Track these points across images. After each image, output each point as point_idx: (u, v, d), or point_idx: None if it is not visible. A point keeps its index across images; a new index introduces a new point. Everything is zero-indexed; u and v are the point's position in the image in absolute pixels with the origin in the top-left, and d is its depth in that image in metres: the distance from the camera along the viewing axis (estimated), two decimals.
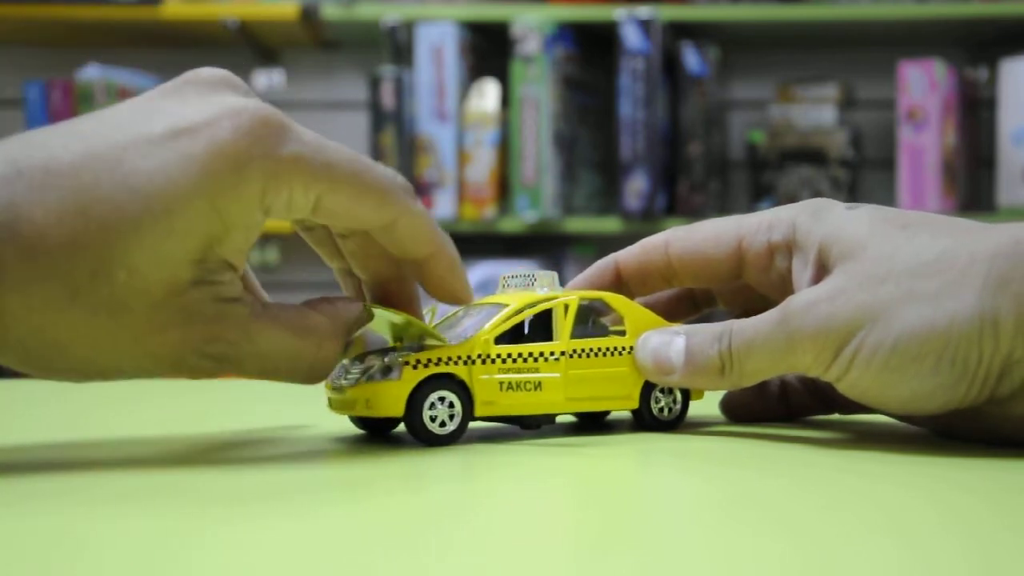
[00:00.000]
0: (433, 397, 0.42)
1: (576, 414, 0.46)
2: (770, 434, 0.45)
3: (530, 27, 1.95)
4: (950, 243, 0.40)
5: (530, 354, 0.43)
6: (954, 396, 0.39)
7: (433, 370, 0.42)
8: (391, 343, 0.44)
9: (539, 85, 1.95)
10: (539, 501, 0.34)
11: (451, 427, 0.42)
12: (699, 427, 0.47)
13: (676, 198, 2.01)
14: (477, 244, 2.01)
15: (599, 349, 0.45)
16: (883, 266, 0.40)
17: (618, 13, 1.95)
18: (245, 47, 2.13)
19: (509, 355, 0.43)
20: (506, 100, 1.98)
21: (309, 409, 0.52)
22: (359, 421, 0.45)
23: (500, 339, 0.43)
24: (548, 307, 0.44)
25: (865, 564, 0.25)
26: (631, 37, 1.94)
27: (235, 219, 0.37)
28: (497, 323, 0.43)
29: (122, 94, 1.98)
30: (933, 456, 0.40)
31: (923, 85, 1.98)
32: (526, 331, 0.45)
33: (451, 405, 0.42)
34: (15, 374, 0.41)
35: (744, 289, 0.48)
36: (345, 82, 2.19)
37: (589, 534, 0.29)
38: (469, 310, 0.46)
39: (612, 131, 2.02)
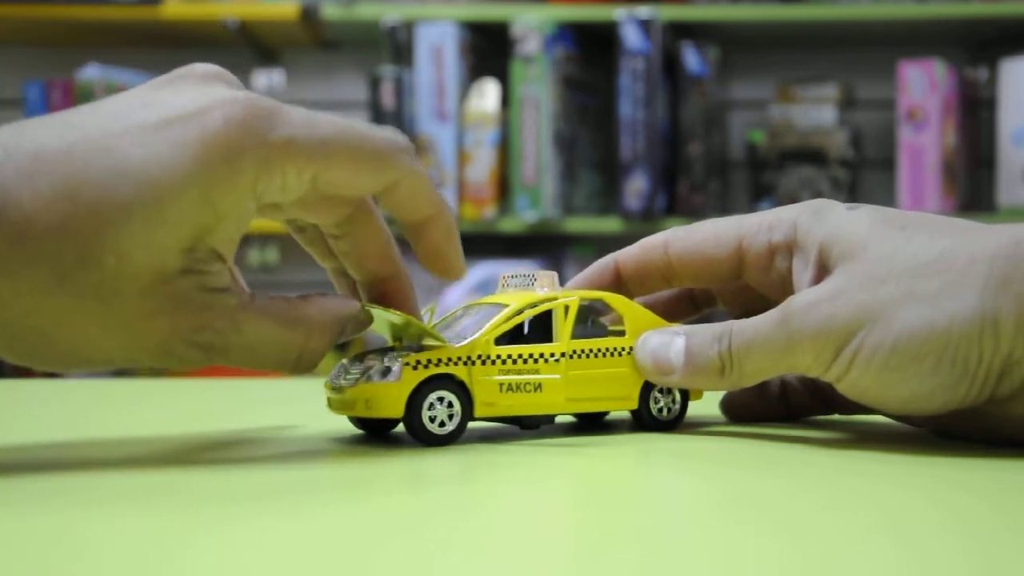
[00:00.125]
0: (432, 397, 0.42)
1: (575, 414, 0.46)
2: (770, 434, 0.45)
3: (530, 27, 1.95)
4: (950, 243, 0.40)
5: (530, 355, 0.43)
6: (954, 396, 0.39)
7: (433, 371, 0.42)
8: (390, 343, 0.44)
9: (539, 85, 1.95)
10: (539, 501, 0.33)
11: (450, 427, 0.42)
12: (699, 427, 0.47)
13: (676, 198, 2.01)
14: (477, 244, 2.01)
15: (599, 350, 0.45)
16: (883, 266, 0.40)
17: (618, 13, 1.95)
18: (245, 47, 2.13)
19: (509, 356, 0.43)
20: (506, 100, 1.98)
21: (308, 409, 0.52)
22: (358, 421, 0.45)
23: (500, 340, 0.43)
24: (549, 308, 0.44)
25: (865, 564, 0.25)
26: (631, 37, 1.94)
27: (227, 209, 0.37)
28: (497, 323, 0.43)
29: None
30: (933, 456, 0.40)
31: (923, 85, 1.98)
32: (526, 331, 0.45)
33: (450, 405, 0.42)
34: (15, 374, 0.40)
35: (744, 289, 0.48)
36: (345, 82, 2.19)
37: (589, 534, 0.29)
38: (468, 310, 0.46)
39: (612, 131, 2.02)
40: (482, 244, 2.00)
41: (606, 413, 0.47)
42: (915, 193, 1.99)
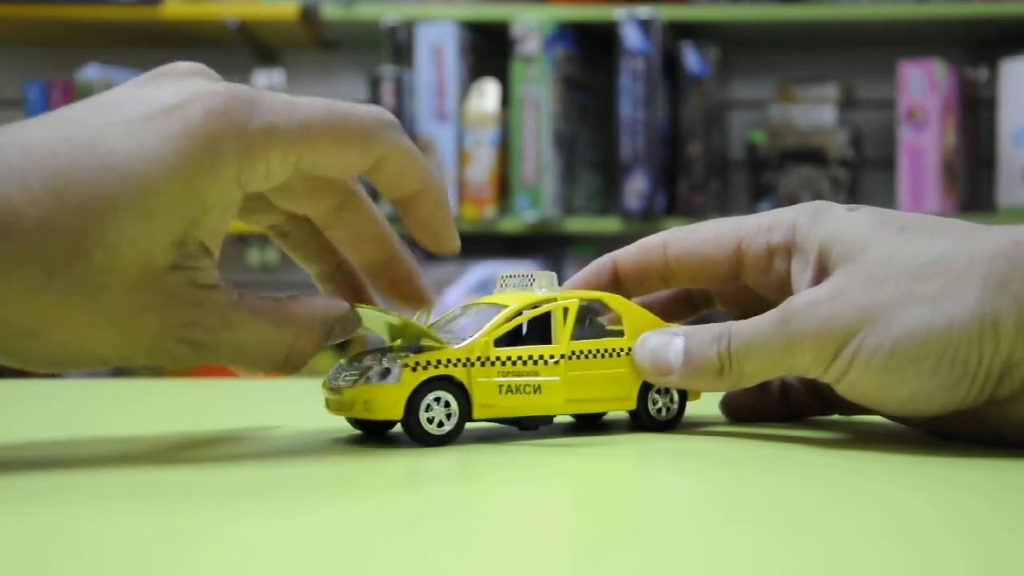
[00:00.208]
0: (429, 398, 0.42)
1: (574, 415, 0.46)
2: (770, 434, 0.45)
3: (530, 27, 1.95)
4: (949, 245, 0.39)
5: (530, 357, 0.43)
6: (953, 398, 0.39)
7: (432, 372, 0.42)
8: (388, 343, 0.44)
9: (539, 85, 1.95)
10: (538, 501, 0.33)
11: (448, 427, 0.42)
12: (699, 427, 0.47)
13: (676, 198, 2.01)
14: (477, 244, 2.01)
15: (598, 351, 0.45)
16: (883, 268, 0.40)
17: (618, 13, 1.95)
18: (245, 47, 2.13)
19: (508, 358, 0.43)
20: (506, 100, 1.98)
21: (306, 409, 0.52)
22: (356, 422, 0.45)
23: (499, 341, 0.43)
24: (548, 310, 0.44)
25: (865, 564, 0.25)
26: (631, 37, 1.94)
27: (213, 200, 0.38)
28: (497, 325, 0.43)
29: None
30: (933, 456, 0.40)
31: (923, 85, 1.98)
32: (524, 331, 0.45)
33: (447, 405, 0.42)
34: (15, 374, 0.41)
35: (742, 291, 0.48)
36: (345, 82, 2.19)
37: (588, 534, 0.29)
38: (467, 309, 0.46)
39: (612, 131, 2.02)
40: (482, 244, 2.00)
41: (604, 413, 0.47)
42: (915, 193, 1.99)
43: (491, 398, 0.42)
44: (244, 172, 0.38)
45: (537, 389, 0.43)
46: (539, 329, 0.44)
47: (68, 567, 0.25)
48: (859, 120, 2.12)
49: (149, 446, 0.44)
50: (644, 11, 1.94)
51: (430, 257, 2.00)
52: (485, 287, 1.81)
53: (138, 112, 0.37)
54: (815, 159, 2.02)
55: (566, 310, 0.44)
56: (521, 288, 0.45)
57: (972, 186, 2.10)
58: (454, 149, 1.97)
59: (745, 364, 0.42)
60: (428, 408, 0.41)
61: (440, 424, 0.42)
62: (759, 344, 0.42)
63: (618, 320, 0.45)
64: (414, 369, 0.41)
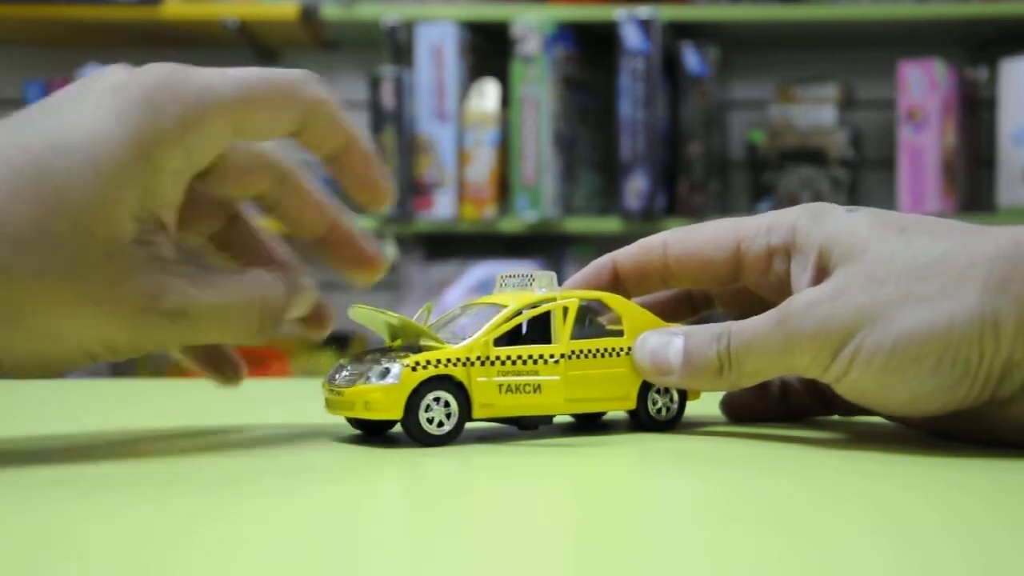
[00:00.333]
0: (429, 398, 0.42)
1: (573, 414, 0.46)
2: (770, 434, 0.45)
3: (530, 27, 1.95)
4: (949, 246, 0.40)
5: (529, 356, 0.43)
6: (954, 398, 0.39)
7: (432, 372, 0.42)
8: (388, 343, 0.44)
9: (539, 85, 1.95)
10: (538, 501, 0.33)
11: (447, 427, 0.42)
12: (699, 427, 0.47)
13: (676, 198, 2.01)
14: (477, 244, 2.01)
15: (598, 350, 0.44)
16: (883, 268, 0.40)
17: (618, 13, 1.95)
18: (245, 47, 2.13)
19: (508, 357, 0.43)
20: (506, 100, 1.98)
21: (305, 409, 0.52)
22: (355, 421, 0.45)
23: (499, 341, 0.43)
24: (548, 309, 0.44)
25: (865, 564, 0.25)
26: (631, 37, 1.94)
27: (161, 162, 0.39)
28: (496, 324, 0.43)
29: None
30: (933, 456, 0.40)
31: (923, 85, 1.98)
32: (524, 330, 0.45)
33: (447, 404, 0.42)
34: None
35: (742, 292, 0.48)
36: (345, 82, 2.19)
37: (589, 534, 0.29)
38: (466, 309, 0.46)
39: (612, 131, 2.02)
40: (482, 244, 2.00)
41: (604, 413, 0.47)
42: (915, 193, 1.99)
43: (491, 398, 0.42)
44: (188, 135, 0.39)
45: (537, 389, 0.43)
46: (539, 329, 0.44)
47: (63, 554, 0.25)
48: (859, 120, 2.12)
49: (148, 445, 0.44)
50: (644, 11, 1.94)
51: (430, 257, 2.00)
52: (485, 287, 1.81)
53: (80, 97, 0.39)
54: (815, 159, 2.02)
55: (566, 310, 0.44)
56: (521, 288, 0.45)
57: (972, 186, 2.10)
58: (454, 149, 1.97)
59: (745, 364, 0.42)
60: (428, 408, 0.41)
61: (440, 424, 0.42)
62: (759, 344, 0.42)
63: (618, 320, 0.45)
64: (414, 369, 0.41)
